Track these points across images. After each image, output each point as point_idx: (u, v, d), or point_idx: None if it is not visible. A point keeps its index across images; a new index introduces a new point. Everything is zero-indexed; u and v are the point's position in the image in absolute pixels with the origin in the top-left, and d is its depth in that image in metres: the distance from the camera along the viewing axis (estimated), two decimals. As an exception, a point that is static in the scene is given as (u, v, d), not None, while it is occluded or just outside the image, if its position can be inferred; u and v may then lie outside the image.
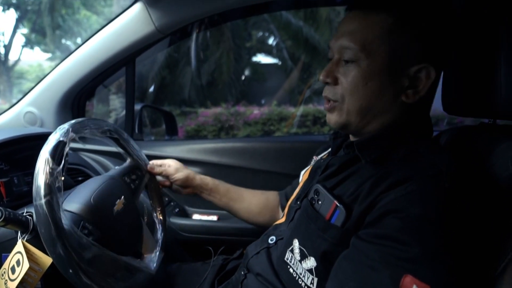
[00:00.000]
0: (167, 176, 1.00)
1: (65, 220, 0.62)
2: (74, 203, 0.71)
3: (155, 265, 0.84)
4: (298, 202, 0.76)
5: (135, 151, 0.95)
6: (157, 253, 0.87)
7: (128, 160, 0.96)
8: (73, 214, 0.69)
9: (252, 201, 1.03)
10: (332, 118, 0.69)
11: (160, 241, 0.92)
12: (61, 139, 0.66)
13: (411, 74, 0.63)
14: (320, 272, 0.63)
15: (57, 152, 0.64)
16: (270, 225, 1.03)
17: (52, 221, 0.59)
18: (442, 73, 0.74)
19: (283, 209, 1.01)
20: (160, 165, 1.00)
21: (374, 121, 0.67)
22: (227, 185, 1.05)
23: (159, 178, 1.02)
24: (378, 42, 0.62)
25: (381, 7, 0.62)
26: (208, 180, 1.02)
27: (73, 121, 0.73)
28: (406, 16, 0.62)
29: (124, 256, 0.73)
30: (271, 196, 1.05)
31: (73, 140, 0.69)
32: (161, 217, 0.98)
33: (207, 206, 1.39)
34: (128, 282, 0.73)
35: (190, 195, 1.30)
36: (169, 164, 1.01)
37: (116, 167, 0.92)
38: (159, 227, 0.96)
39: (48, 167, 0.62)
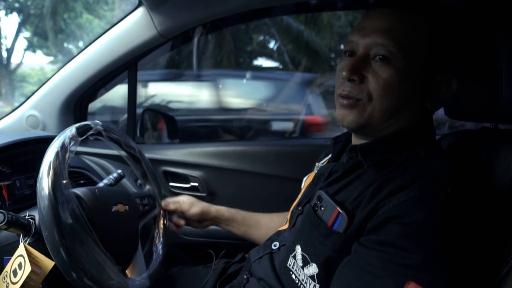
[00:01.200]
0: (182, 213, 0.99)
1: (67, 208, 0.63)
2: (81, 188, 0.75)
3: None
4: (300, 208, 0.76)
5: (154, 181, 0.98)
6: (143, 280, 0.83)
7: (147, 187, 0.98)
8: (77, 194, 0.71)
9: (270, 226, 1.01)
10: (350, 117, 0.64)
11: (151, 271, 0.88)
12: (64, 142, 0.67)
13: (436, 82, 0.64)
14: (322, 278, 0.62)
15: (61, 155, 0.65)
16: None
17: (56, 225, 0.59)
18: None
19: None
20: (174, 202, 0.99)
21: (393, 125, 0.65)
22: (243, 213, 1.03)
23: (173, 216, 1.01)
24: (416, 44, 0.60)
25: (419, 10, 0.61)
26: (223, 211, 1.01)
27: (76, 125, 0.73)
28: (442, 25, 0.62)
29: (114, 265, 0.72)
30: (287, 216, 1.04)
31: (75, 144, 0.70)
32: (160, 251, 0.95)
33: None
34: None
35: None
36: (183, 200, 1.00)
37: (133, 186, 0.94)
38: (155, 258, 0.93)
39: (52, 170, 0.62)
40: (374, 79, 0.61)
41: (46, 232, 0.60)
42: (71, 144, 0.68)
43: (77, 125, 0.73)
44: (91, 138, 0.77)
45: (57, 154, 0.64)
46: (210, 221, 1.01)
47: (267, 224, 1.01)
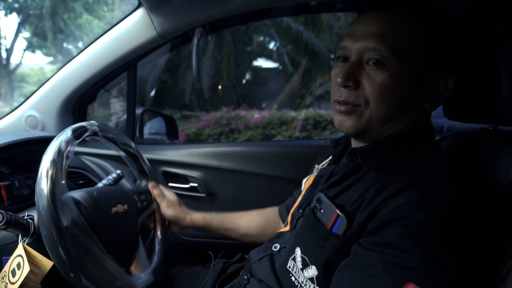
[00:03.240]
0: (158, 205, 0.97)
1: (67, 212, 0.62)
2: (79, 191, 0.74)
3: (141, 286, 0.81)
4: (301, 211, 0.76)
5: (151, 174, 0.98)
6: (147, 276, 0.84)
7: (144, 183, 0.98)
8: (75, 200, 0.70)
9: (251, 225, 1.02)
10: (349, 122, 0.64)
11: (153, 266, 0.89)
12: (63, 142, 0.67)
13: (432, 82, 0.64)
14: (321, 281, 0.62)
15: (60, 156, 0.65)
16: None
17: (54, 225, 0.59)
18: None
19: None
20: (159, 192, 0.97)
21: (393, 127, 0.65)
22: (219, 217, 1.02)
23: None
24: (409, 47, 0.60)
25: (410, 12, 0.61)
26: (198, 220, 0.98)
27: (76, 125, 0.73)
28: (433, 25, 0.62)
29: (118, 266, 0.72)
30: (270, 214, 1.04)
31: (74, 144, 0.70)
32: (160, 244, 0.96)
33: (208, 210, 1.38)
34: None
35: (190, 199, 1.30)
36: (167, 196, 0.98)
37: (132, 187, 0.94)
38: (156, 252, 0.94)
39: (50, 171, 0.62)
40: (369, 83, 0.61)
41: (45, 232, 0.60)
42: (69, 146, 0.68)
43: (72, 127, 0.72)
44: (87, 138, 0.77)
45: (54, 155, 0.64)
46: (183, 228, 0.99)
47: (247, 225, 1.02)
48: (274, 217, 1.03)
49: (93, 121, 0.80)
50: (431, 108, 0.65)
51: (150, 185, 0.97)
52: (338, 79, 0.63)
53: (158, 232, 0.97)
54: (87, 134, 0.75)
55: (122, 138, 0.89)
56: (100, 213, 0.74)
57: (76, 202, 0.70)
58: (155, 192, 0.96)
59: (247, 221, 1.02)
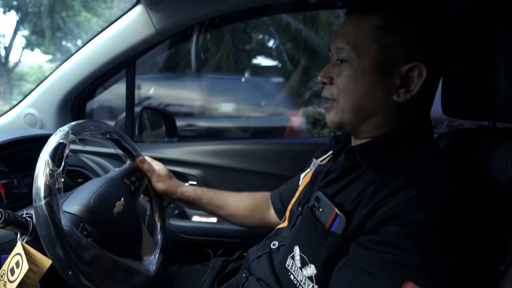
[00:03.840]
0: (149, 179, 0.98)
1: (65, 222, 0.62)
2: (73, 204, 0.71)
3: (154, 267, 0.84)
4: (300, 208, 0.76)
5: (136, 152, 0.95)
6: (157, 255, 0.87)
7: (128, 162, 0.96)
8: (73, 216, 0.69)
9: (239, 206, 1.02)
10: (330, 117, 0.70)
11: (159, 243, 0.92)
12: (61, 141, 0.66)
13: (402, 73, 0.63)
14: (320, 279, 0.63)
15: (57, 154, 0.65)
16: (261, 226, 1.03)
17: (52, 223, 0.59)
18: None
19: (277, 211, 1.01)
20: (148, 166, 0.96)
21: (368, 120, 0.67)
22: (210, 193, 1.03)
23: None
24: (368, 41, 0.63)
25: (373, 9, 0.64)
26: (189, 193, 1.00)
27: (73, 123, 0.73)
28: (395, 17, 0.63)
29: (124, 258, 0.73)
30: (260, 198, 1.05)
31: (73, 142, 0.70)
32: (160, 220, 0.97)
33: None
34: (127, 284, 0.73)
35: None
36: (157, 170, 0.97)
37: (116, 169, 0.92)
38: (158, 229, 0.96)
39: (48, 169, 0.62)
40: (338, 80, 0.67)
41: (42, 231, 0.59)
42: (68, 142, 0.68)
43: (70, 124, 0.72)
44: (86, 137, 0.76)
45: (53, 152, 0.64)
46: (174, 201, 1.01)
47: (235, 204, 1.03)
48: (263, 202, 1.04)
49: (91, 119, 0.79)
50: (400, 99, 0.64)
51: (138, 160, 0.95)
52: (319, 77, 0.70)
53: (155, 206, 0.97)
54: (85, 131, 0.75)
55: (121, 136, 0.88)
56: (102, 223, 0.72)
57: (75, 220, 0.68)
58: (144, 167, 0.96)
59: (236, 201, 1.03)
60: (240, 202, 1.03)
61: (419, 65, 0.62)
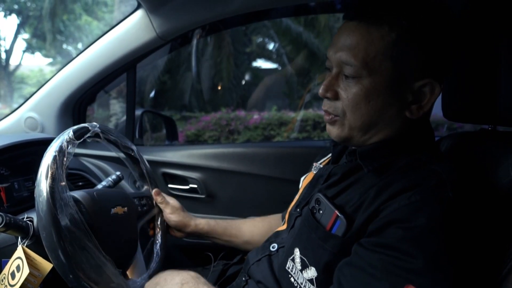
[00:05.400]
0: (162, 211, 0.98)
1: (66, 213, 0.63)
2: (79, 191, 0.75)
3: None
4: (298, 210, 0.76)
5: (152, 181, 0.98)
6: (143, 280, 0.83)
7: (145, 188, 0.98)
8: (75, 198, 0.71)
9: (254, 232, 1.01)
10: (334, 131, 0.67)
11: (151, 271, 0.88)
12: (64, 143, 0.67)
13: (415, 89, 0.61)
14: (320, 282, 0.62)
15: (59, 158, 0.65)
16: None
17: (54, 226, 0.59)
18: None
19: None
20: (162, 198, 0.98)
21: (377, 135, 0.65)
22: (224, 223, 1.02)
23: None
24: (381, 58, 0.59)
25: (383, 20, 0.59)
26: (203, 225, 0.99)
27: (79, 126, 0.74)
28: (408, 31, 0.59)
29: (115, 268, 0.72)
30: (273, 220, 1.03)
31: (73, 145, 0.70)
32: (159, 251, 0.95)
33: (208, 211, 1.38)
34: None
35: (190, 200, 1.29)
36: (170, 202, 0.98)
37: (132, 188, 0.94)
38: (155, 258, 0.93)
39: (50, 172, 0.62)
40: (345, 96, 0.63)
41: (44, 234, 0.59)
42: (69, 147, 0.68)
43: (74, 127, 0.73)
44: (88, 140, 0.77)
45: (54, 157, 0.65)
46: (187, 234, 1.00)
47: (250, 231, 1.02)
48: (277, 223, 1.02)
49: (94, 123, 0.80)
50: (413, 116, 0.63)
51: (154, 192, 0.97)
52: (320, 90, 0.66)
53: (158, 239, 0.96)
54: (88, 135, 0.76)
55: (124, 141, 0.89)
56: (99, 213, 0.74)
57: (76, 200, 0.71)
58: (158, 199, 0.97)
59: (250, 227, 1.02)
60: (254, 228, 1.02)
61: (432, 81, 0.61)
